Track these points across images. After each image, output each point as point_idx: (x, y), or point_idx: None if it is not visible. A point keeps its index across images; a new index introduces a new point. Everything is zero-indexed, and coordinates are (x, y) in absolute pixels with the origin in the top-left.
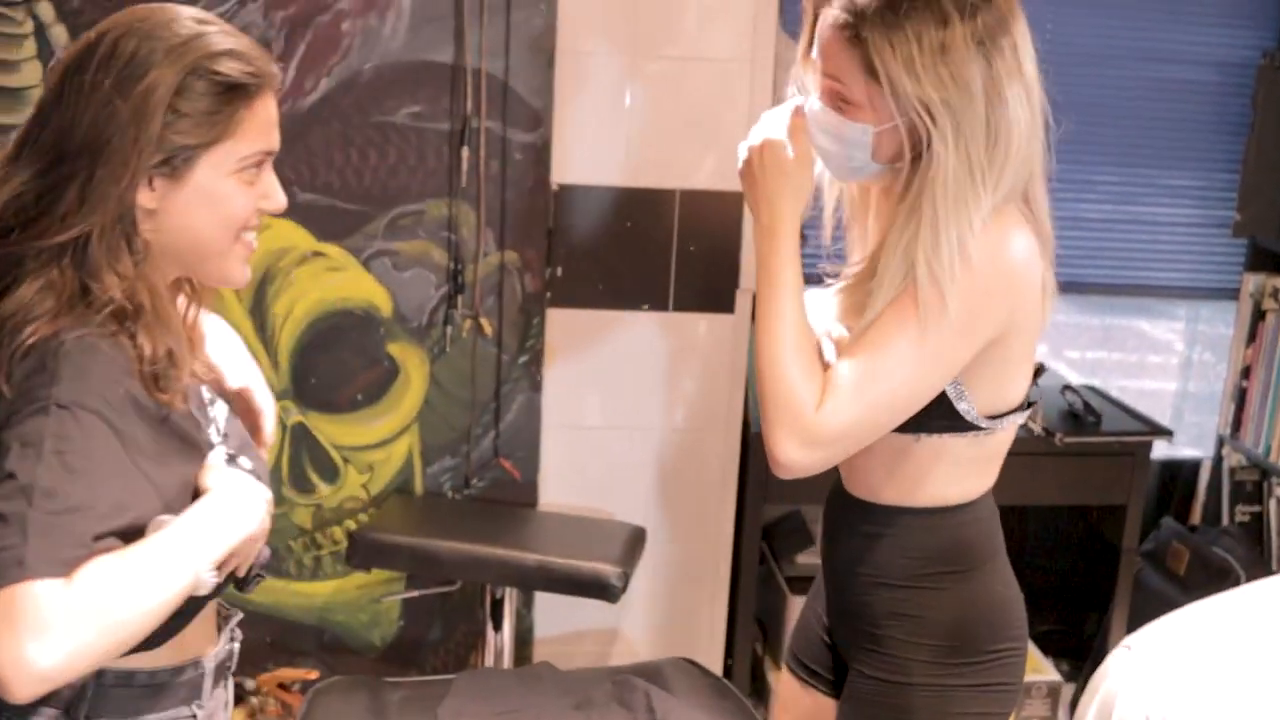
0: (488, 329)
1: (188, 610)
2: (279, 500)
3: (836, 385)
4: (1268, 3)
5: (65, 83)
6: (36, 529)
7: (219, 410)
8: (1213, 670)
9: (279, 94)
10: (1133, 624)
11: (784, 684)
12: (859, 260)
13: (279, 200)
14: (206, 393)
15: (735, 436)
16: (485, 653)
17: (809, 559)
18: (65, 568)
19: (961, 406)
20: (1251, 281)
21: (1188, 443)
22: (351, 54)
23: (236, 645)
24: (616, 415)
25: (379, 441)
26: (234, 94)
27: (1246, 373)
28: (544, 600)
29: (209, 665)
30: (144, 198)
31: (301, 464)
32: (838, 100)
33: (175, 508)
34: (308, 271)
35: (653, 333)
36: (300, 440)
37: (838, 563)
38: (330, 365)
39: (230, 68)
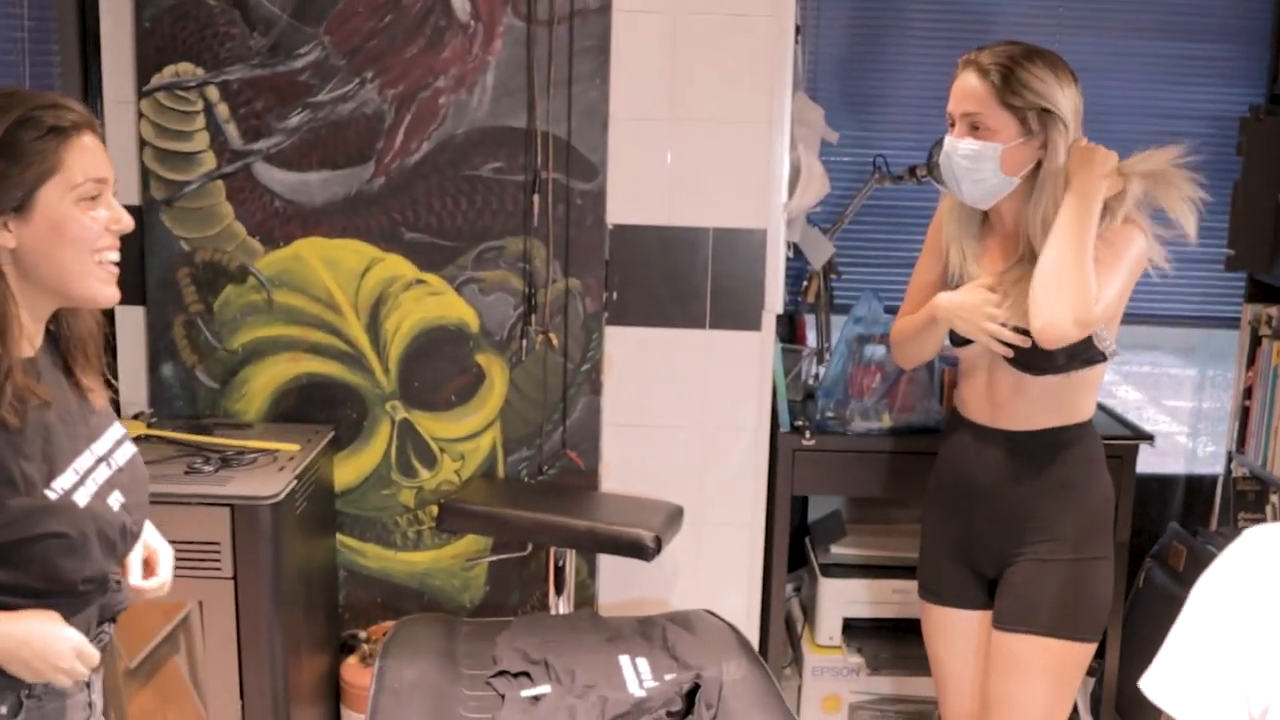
0: (555, 342)
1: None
2: (388, 484)
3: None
4: (1255, 64)
5: None
6: None
7: (104, 442)
8: None
9: (101, 135)
10: (1131, 612)
11: (940, 617)
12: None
13: (125, 221)
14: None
15: (765, 434)
16: (550, 613)
17: (840, 549)
18: None
19: (1104, 338)
20: (1250, 311)
21: (1206, 459)
22: (447, 121)
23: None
24: (663, 415)
25: (469, 435)
26: (55, 135)
27: (1248, 393)
28: (606, 571)
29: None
30: (3, 238)
31: (406, 453)
32: (974, 130)
33: None
34: (412, 295)
35: (692, 346)
36: (405, 434)
37: (1004, 488)
38: (430, 372)
39: (48, 115)
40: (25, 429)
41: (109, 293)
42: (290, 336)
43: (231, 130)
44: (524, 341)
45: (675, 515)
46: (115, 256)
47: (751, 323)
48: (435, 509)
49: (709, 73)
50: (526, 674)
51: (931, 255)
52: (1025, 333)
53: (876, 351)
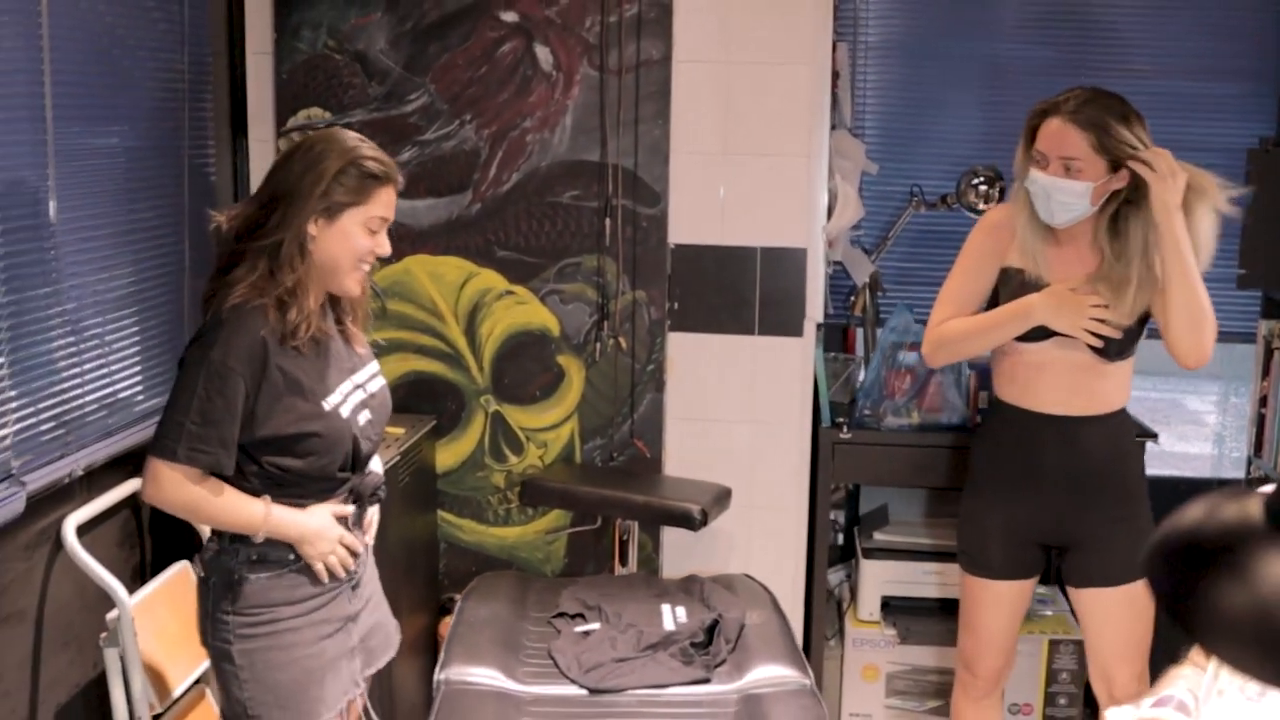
0: (625, 346)
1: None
2: (482, 467)
3: None
4: (1263, 100)
5: (282, 162)
6: (184, 433)
7: (363, 374)
8: None
9: (398, 188)
10: None
11: (988, 589)
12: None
13: (386, 250)
14: (354, 365)
15: (807, 428)
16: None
17: (883, 536)
18: (186, 462)
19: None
20: (1264, 326)
21: (1233, 463)
22: (533, 156)
23: (354, 510)
24: (719, 410)
25: (550, 425)
26: (373, 179)
27: (1264, 401)
28: (668, 546)
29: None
30: (311, 228)
31: (498, 441)
32: (1067, 170)
33: (273, 426)
34: (503, 304)
35: (743, 350)
36: (497, 424)
37: (1078, 464)
38: (518, 371)
39: (371, 165)
40: (313, 358)
41: (357, 290)
42: (400, 339)
43: None
44: (598, 345)
45: (723, 495)
46: (369, 269)
47: (795, 329)
48: (520, 487)
49: (756, 113)
50: (582, 615)
51: (981, 265)
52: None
53: (909, 357)
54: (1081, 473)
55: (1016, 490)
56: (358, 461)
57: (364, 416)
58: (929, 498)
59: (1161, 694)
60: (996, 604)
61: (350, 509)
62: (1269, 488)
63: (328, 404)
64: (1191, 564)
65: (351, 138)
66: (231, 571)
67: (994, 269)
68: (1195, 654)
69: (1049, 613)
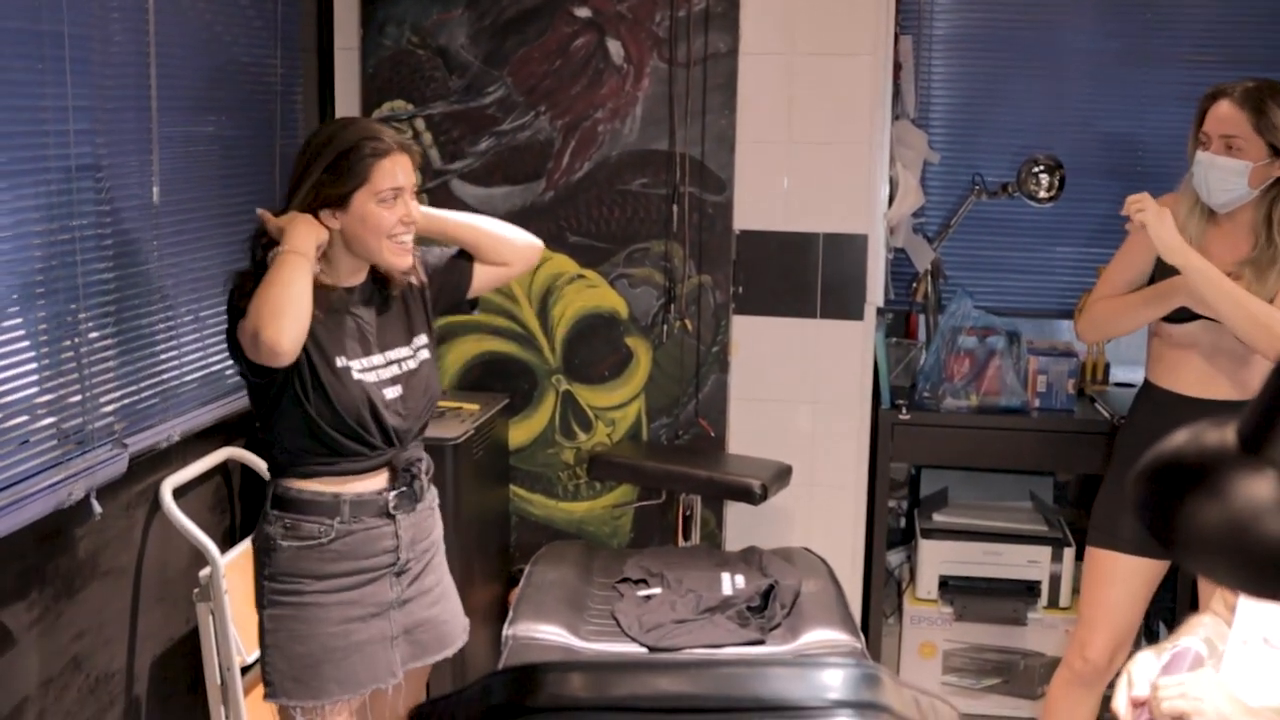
0: (691, 328)
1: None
2: (553, 444)
3: None
4: None
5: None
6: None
7: (401, 351)
8: None
9: (415, 157)
10: None
11: (1117, 564)
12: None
13: (415, 215)
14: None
15: (867, 409)
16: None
17: (941, 517)
18: None
19: None
20: None
21: None
22: (604, 145)
23: (395, 494)
24: (781, 391)
25: (619, 404)
26: (372, 156)
27: None
28: (731, 521)
29: (348, 497)
30: (330, 222)
31: (568, 419)
32: (1229, 149)
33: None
34: (574, 288)
35: (805, 333)
36: (567, 403)
37: None
38: (588, 351)
39: (368, 144)
40: (332, 326)
41: (400, 263)
42: (477, 321)
43: (434, 154)
44: (665, 327)
45: (784, 472)
46: (408, 238)
47: (855, 313)
48: (588, 462)
49: (819, 103)
50: (644, 581)
51: (1142, 247)
52: None
53: (968, 341)
54: None
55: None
56: (387, 433)
57: (392, 391)
58: (989, 481)
59: (1179, 645)
60: (1124, 580)
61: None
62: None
63: (339, 363)
64: (1173, 485)
65: (338, 127)
66: (270, 538)
67: (1154, 252)
68: (1217, 603)
69: None
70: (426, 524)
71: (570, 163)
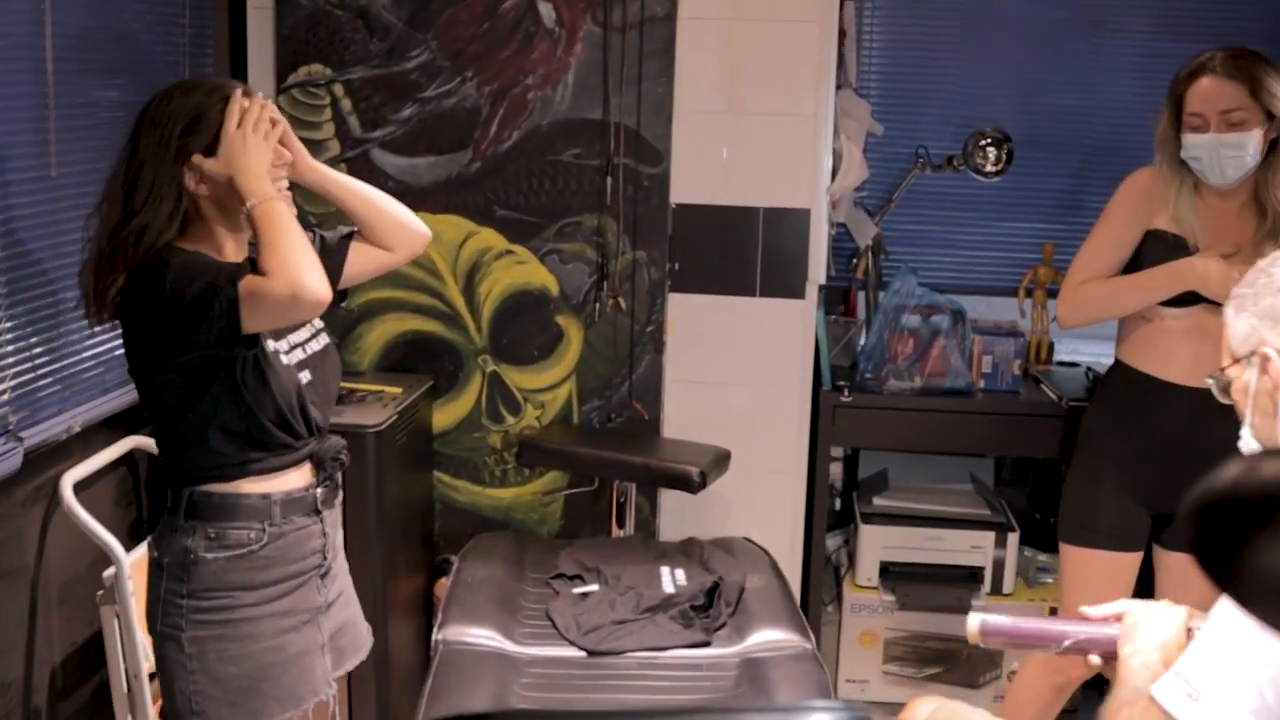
0: (624, 306)
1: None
2: (479, 428)
3: None
4: None
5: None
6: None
7: (302, 334)
8: None
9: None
10: None
11: (1094, 560)
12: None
13: (284, 155)
14: None
15: (808, 391)
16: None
17: (881, 501)
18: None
19: None
20: None
21: None
22: (534, 114)
23: (321, 489)
24: (719, 372)
25: (548, 386)
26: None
27: None
28: (665, 509)
29: (278, 497)
30: (191, 186)
31: (495, 401)
32: (1232, 124)
33: None
34: (502, 264)
35: (744, 312)
36: (494, 384)
37: (1204, 433)
38: (516, 331)
39: (214, 97)
40: None
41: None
42: (399, 298)
43: (354, 121)
44: (597, 305)
45: (722, 457)
46: (283, 184)
47: (797, 291)
48: (517, 448)
49: (761, 71)
50: (580, 577)
51: (1129, 227)
52: None
53: (911, 320)
54: (1209, 444)
55: (1140, 458)
56: (309, 422)
57: (304, 375)
58: (929, 463)
59: None
60: (1103, 578)
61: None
62: None
63: (269, 345)
64: (1233, 524)
65: (180, 92)
66: (188, 551)
67: (1139, 232)
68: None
69: (1049, 580)
70: (339, 519)
71: (498, 132)
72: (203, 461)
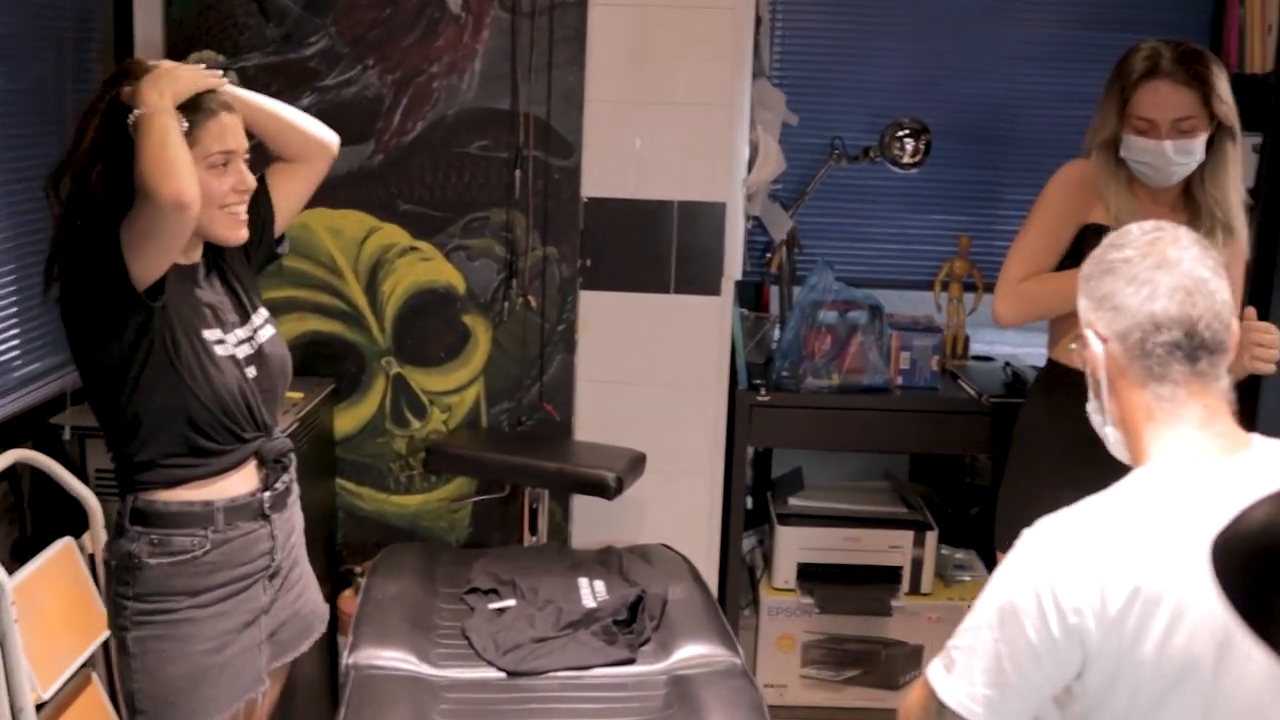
0: (534, 305)
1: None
2: (383, 432)
3: None
4: None
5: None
6: None
7: (246, 330)
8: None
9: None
10: None
11: None
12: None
13: (247, 183)
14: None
15: (723, 390)
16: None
17: (798, 501)
18: None
19: None
20: None
21: None
22: (439, 104)
23: (270, 494)
24: (632, 372)
25: (456, 388)
26: (197, 117)
27: None
28: (578, 514)
29: (221, 504)
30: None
31: (400, 405)
32: (1183, 132)
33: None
34: (406, 261)
35: (658, 309)
36: (399, 387)
37: None
38: (421, 330)
39: (197, 101)
40: (185, 305)
41: (234, 235)
42: (298, 298)
43: None
44: (506, 304)
45: (637, 461)
46: (241, 210)
47: (712, 288)
48: (424, 454)
49: (675, 60)
50: (495, 591)
51: (1064, 222)
52: None
53: (828, 316)
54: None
55: (1084, 465)
56: (255, 420)
57: (250, 370)
58: (843, 460)
59: None
60: None
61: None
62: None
63: (208, 337)
64: (1271, 571)
65: None
66: (132, 555)
67: (1075, 226)
68: None
69: (967, 578)
70: (295, 517)
71: (401, 122)
72: (143, 469)
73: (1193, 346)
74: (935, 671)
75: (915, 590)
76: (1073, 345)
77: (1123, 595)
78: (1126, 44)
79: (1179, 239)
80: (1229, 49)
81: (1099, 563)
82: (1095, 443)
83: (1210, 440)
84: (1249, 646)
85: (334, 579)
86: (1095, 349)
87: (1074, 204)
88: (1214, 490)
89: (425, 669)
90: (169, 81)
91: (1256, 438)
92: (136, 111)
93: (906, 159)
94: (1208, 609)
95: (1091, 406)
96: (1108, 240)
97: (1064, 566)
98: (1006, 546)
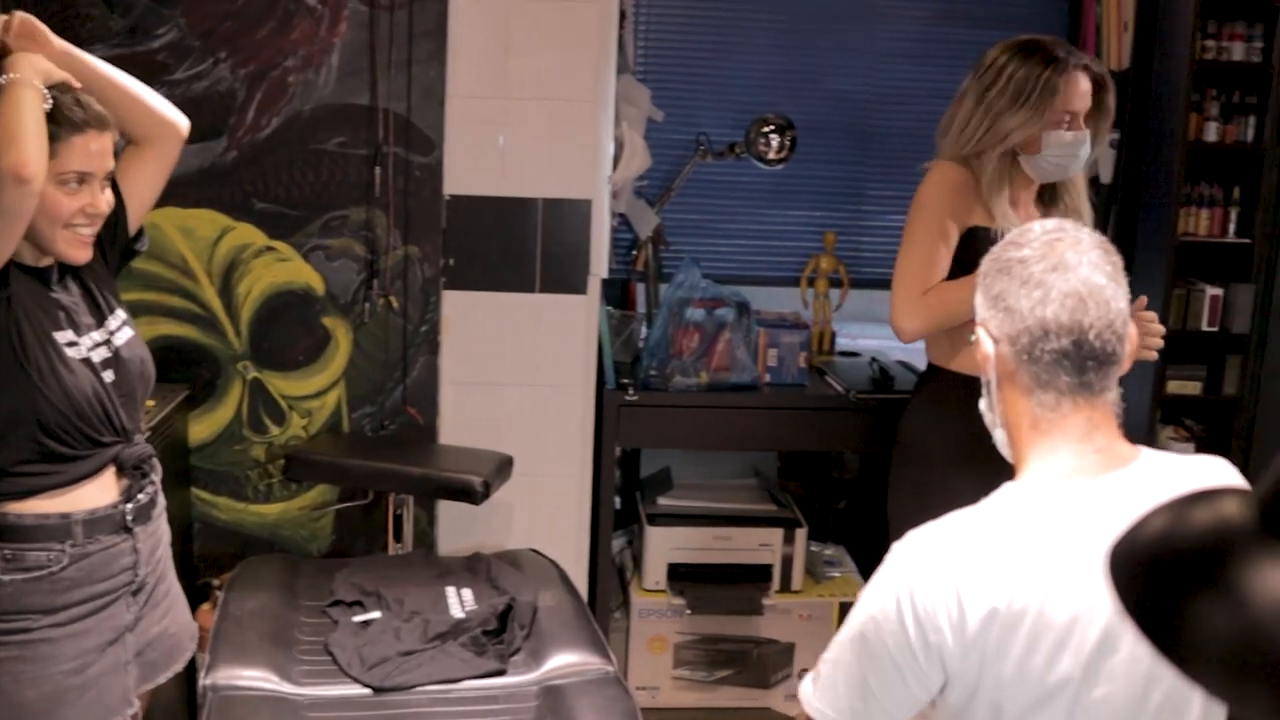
0: (396, 305)
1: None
2: (240, 440)
3: None
4: None
5: None
6: None
7: (100, 329)
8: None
9: (105, 132)
10: None
11: None
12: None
13: (99, 207)
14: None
15: (591, 389)
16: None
17: (667, 501)
18: None
19: None
20: None
21: None
22: (295, 99)
23: (132, 505)
24: (498, 373)
25: (316, 392)
26: (60, 129)
27: None
28: (444, 519)
29: (79, 517)
30: None
31: (257, 410)
32: (1083, 122)
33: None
34: (262, 261)
35: (523, 309)
36: (256, 392)
37: None
38: (279, 334)
39: (55, 112)
40: (37, 308)
41: (75, 255)
42: (148, 301)
43: (93, 105)
44: (367, 305)
45: (505, 464)
46: (88, 231)
47: (578, 287)
48: (284, 461)
49: (539, 55)
50: (359, 603)
51: (950, 227)
52: None
53: (696, 314)
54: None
55: (989, 459)
56: (114, 426)
57: (108, 375)
58: (711, 458)
59: None
60: None
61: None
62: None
63: (60, 339)
64: (1168, 582)
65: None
66: None
67: (960, 229)
68: None
69: (837, 574)
70: (160, 530)
71: (256, 118)
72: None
73: (1081, 356)
74: (805, 685)
75: (786, 588)
76: (972, 338)
77: (982, 613)
78: (988, 40)
79: (1079, 241)
80: (1086, 46)
81: (960, 581)
82: (985, 441)
83: (1088, 456)
84: (1115, 664)
85: (191, 593)
86: (987, 349)
87: (956, 207)
88: (1083, 507)
89: (287, 688)
90: (42, 64)
91: (1145, 452)
92: (5, 76)
93: (772, 155)
94: (1073, 626)
95: (984, 405)
96: (1009, 237)
97: (925, 584)
98: None
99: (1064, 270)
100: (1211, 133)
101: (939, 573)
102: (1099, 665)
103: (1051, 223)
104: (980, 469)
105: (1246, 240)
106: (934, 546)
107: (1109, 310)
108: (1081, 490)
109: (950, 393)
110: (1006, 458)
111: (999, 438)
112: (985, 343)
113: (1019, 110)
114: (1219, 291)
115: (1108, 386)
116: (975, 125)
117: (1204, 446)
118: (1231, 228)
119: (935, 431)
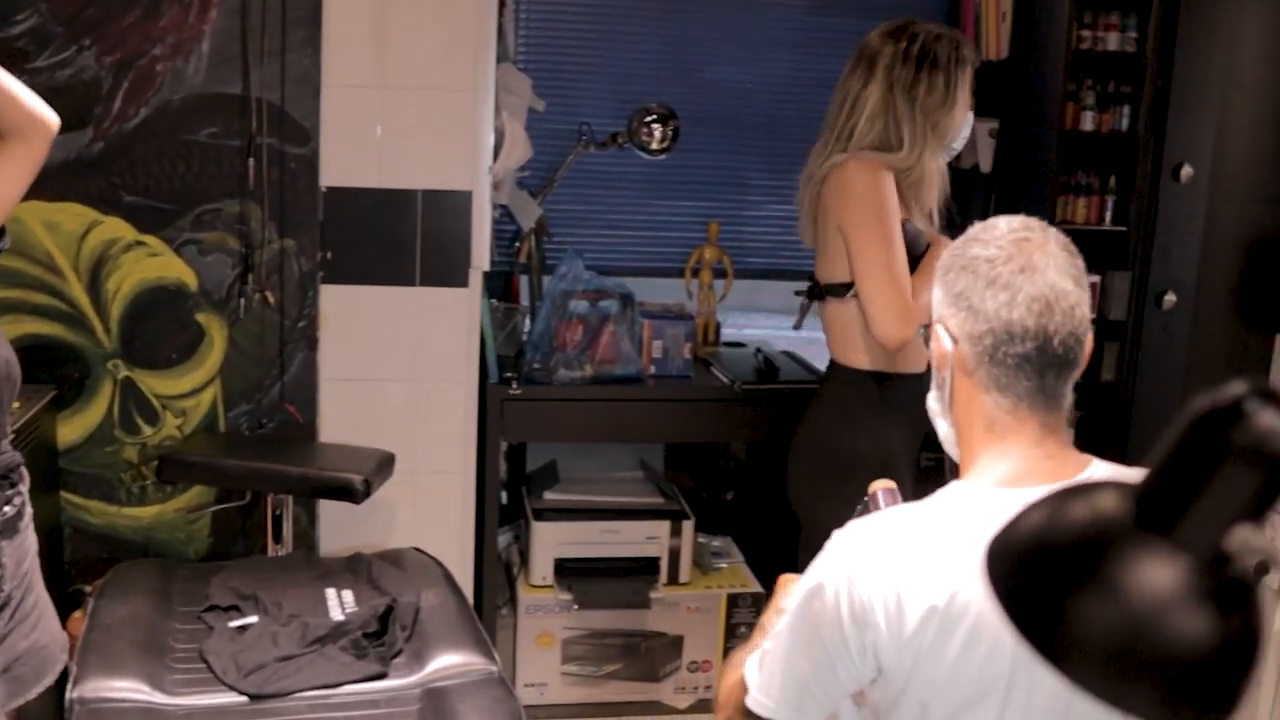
0: (272, 301)
1: None
2: (111, 441)
3: None
4: None
5: None
6: None
7: None
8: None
9: None
10: None
11: None
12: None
13: None
14: None
15: (474, 384)
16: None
17: (553, 495)
18: None
19: None
20: None
21: None
22: (164, 88)
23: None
24: (378, 369)
25: (190, 391)
26: None
27: None
28: (325, 518)
29: None
30: None
31: (129, 410)
32: None
33: None
34: (132, 257)
35: (404, 303)
36: (128, 392)
37: None
38: (151, 331)
39: None
40: None
41: None
42: (12, 298)
43: None
44: (242, 300)
45: (386, 461)
46: None
47: (460, 280)
48: (157, 462)
49: (417, 43)
50: (236, 607)
51: (899, 224)
52: None
53: (579, 306)
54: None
55: (898, 460)
56: None
57: None
58: (597, 451)
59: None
60: None
61: None
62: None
63: None
64: (1046, 578)
65: None
66: None
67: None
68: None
69: (724, 565)
70: (28, 542)
71: (123, 108)
72: None
73: (1043, 361)
74: (750, 664)
75: (674, 580)
76: (923, 331)
77: (921, 611)
78: (867, 29)
79: (1046, 243)
80: (965, 35)
81: (901, 577)
82: (918, 443)
83: (1038, 461)
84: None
85: (62, 600)
86: (944, 346)
87: (896, 205)
88: None
89: (159, 698)
90: None
91: (1095, 462)
92: None
93: (655, 145)
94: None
95: (932, 398)
96: (971, 233)
97: (864, 577)
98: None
99: (1031, 273)
100: (1088, 121)
101: (879, 567)
102: (1031, 667)
103: (1016, 220)
104: (908, 467)
105: (1123, 228)
106: (876, 540)
107: (1073, 316)
108: (1028, 496)
109: (890, 396)
110: (949, 452)
111: (944, 433)
112: (943, 340)
113: (953, 108)
114: (1096, 279)
115: (1064, 393)
116: (919, 130)
117: (1082, 432)
118: (1108, 215)
119: (849, 431)
